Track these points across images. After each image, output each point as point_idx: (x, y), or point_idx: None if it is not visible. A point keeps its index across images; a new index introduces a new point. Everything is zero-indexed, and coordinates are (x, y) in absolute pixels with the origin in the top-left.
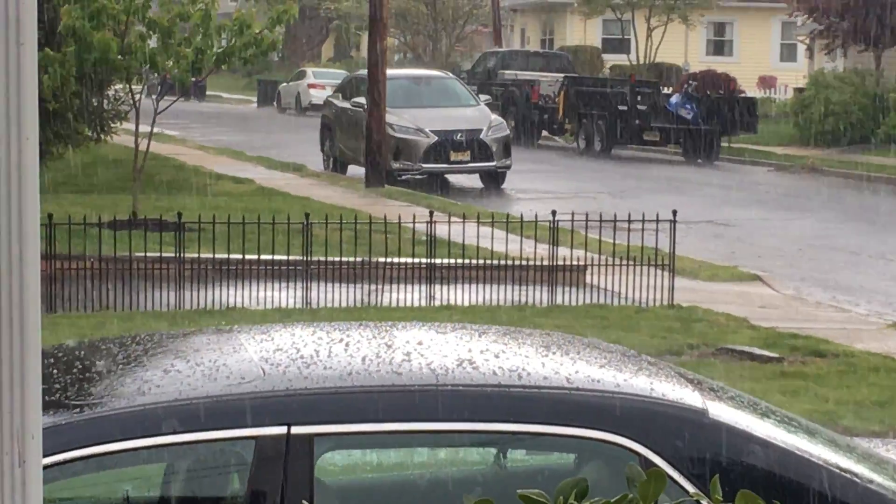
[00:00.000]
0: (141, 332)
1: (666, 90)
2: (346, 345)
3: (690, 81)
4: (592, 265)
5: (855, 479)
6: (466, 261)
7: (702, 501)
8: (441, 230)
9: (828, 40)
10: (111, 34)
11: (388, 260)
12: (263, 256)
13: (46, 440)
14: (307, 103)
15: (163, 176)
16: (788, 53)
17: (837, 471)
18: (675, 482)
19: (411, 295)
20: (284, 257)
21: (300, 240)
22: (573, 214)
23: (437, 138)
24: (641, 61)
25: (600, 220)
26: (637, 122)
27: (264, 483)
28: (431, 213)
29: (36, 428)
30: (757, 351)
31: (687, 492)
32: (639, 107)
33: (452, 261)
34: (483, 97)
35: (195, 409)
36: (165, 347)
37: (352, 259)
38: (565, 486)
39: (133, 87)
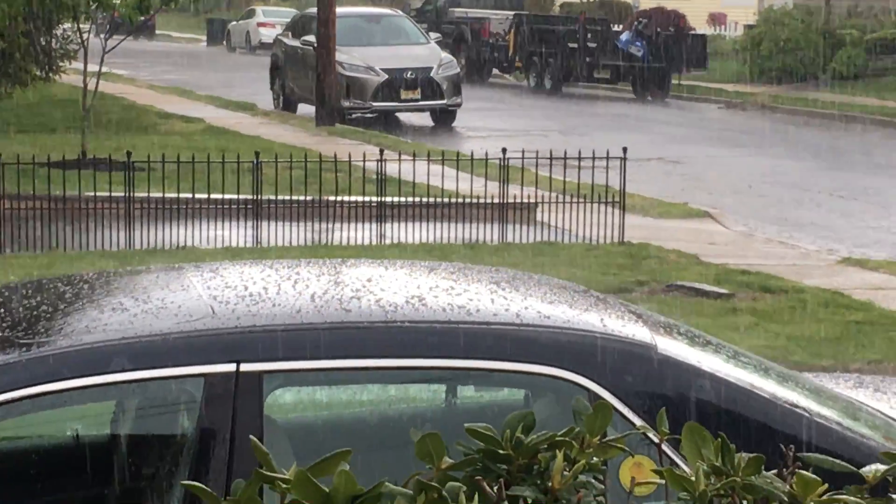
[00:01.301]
0: (90, 270)
1: (616, 28)
2: (295, 282)
3: (640, 19)
4: (543, 203)
5: (804, 413)
6: (417, 199)
7: (648, 433)
8: (391, 169)
9: None
10: None
11: (339, 198)
12: (213, 195)
13: None
14: (257, 42)
15: (112, 115)
16: None
17: (786, 405)
18: (624, 417)
19: (362, 233)
20: (235, 196)
21: (250, 179)
22: (523, 152)
23: (387, 76)
24: None
25: (550, 158)
26: (587, 59)
27: (214, 421)
28: (382, 152)
29: None
30: (707, 287)
31: (635, 426)
32: (589, 44)
33: (403, 199)
34: (433, 35)
35: (144, 346)
36: (114, 286)
37: (302, 198)
38: (512, 419)
39: (81, 25)
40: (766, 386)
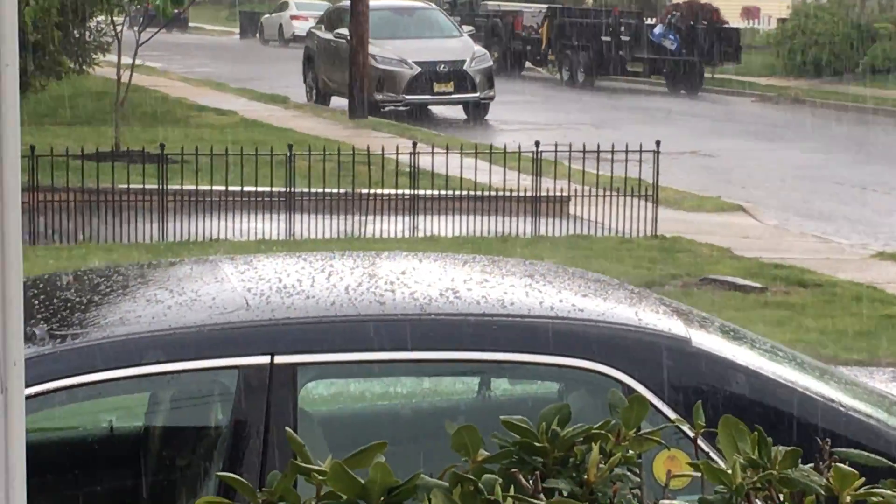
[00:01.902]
0: (124, 263)
1: (649, 21)
2: (330, 274)
3: (674, 12)
4: (576, 196)
5: (838, 407)
6: (450, 192)
7: (683, 427)
8: (424, 161)
9: None
10: None
11: (372, 191)
12: (246, 188)
13: (29, 370)
14: (290, 35)
15: (145, 108)
16: None
17: (821, 399)
18: (659, 411)
19: (394, 226)
20: (268, 189)
21: (283, 171)
22: (556, 145)
23: (420, 69)
24: None
25: (584, 151)
26: (620, 52)
27: (248, 413)
28: (415, 145)
29: (18, 355)
30: (740, 281)
31: (670, 419)
32: (622, 37)
33: (436, 192)
34: (466, 28)
35: (178, 338)
36: (149, 278)
37: (335, 190)
38: (548, 412)
39: (115, 18)
40: (801, 380)
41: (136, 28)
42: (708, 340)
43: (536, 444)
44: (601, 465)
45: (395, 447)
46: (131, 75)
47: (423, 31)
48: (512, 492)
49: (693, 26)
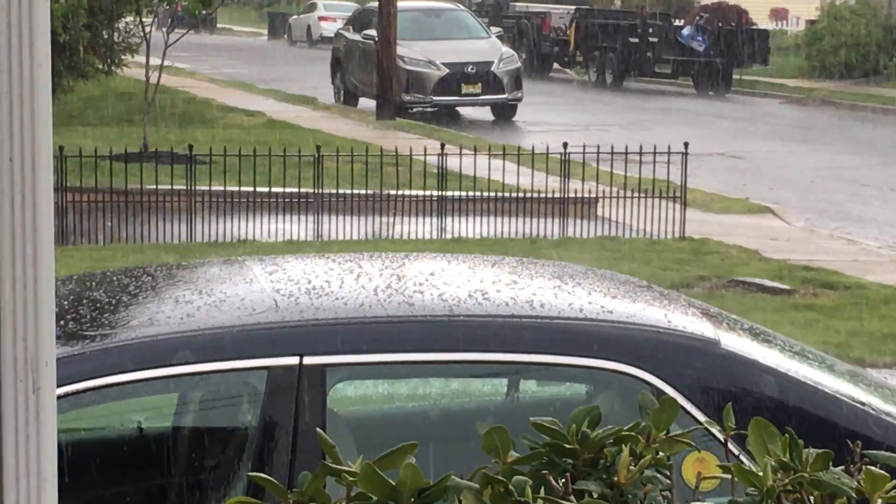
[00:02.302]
0: (152, 263)
1: (677, 22)
2: (358, 276)
3: (702, 13)
4: (604, 197)
5: (869, 409)
6: (478, 193)
7: (713, 429)
8: (452, 163)
9: None
10: None
11: (400, 192)
12: (274, 189)
13: (59, 370)
14: (318, 36)
15: (173, 109)
16: None
17: (851, 401)
18: (688, 413)
19: (422, 227)
20: (295, 190)
21: (311, 172)
22: (584, 147)
23: (447, 70)
24: None
25: (612, 153)
26: (648, 54)
27: (277, 413)
28: (443, 146)
29: (50, 355)
30: (768, 283)
31: (699, 422)
32: (650, 39)
33: (463, 193)
34: (494, 29)
35: (207, 339)
36: (177, 278)
37: (363, 192)
38: (578, 414)
39: (143, 19)
40: (831, 382)
41: (164, 29)
42: (737, 342)
43: (566, 445)
44: (631, 467)
45: (424, 448)
46: (160, 76)
47: (450, 33)
48: (542, 493)
49: (721, 28)
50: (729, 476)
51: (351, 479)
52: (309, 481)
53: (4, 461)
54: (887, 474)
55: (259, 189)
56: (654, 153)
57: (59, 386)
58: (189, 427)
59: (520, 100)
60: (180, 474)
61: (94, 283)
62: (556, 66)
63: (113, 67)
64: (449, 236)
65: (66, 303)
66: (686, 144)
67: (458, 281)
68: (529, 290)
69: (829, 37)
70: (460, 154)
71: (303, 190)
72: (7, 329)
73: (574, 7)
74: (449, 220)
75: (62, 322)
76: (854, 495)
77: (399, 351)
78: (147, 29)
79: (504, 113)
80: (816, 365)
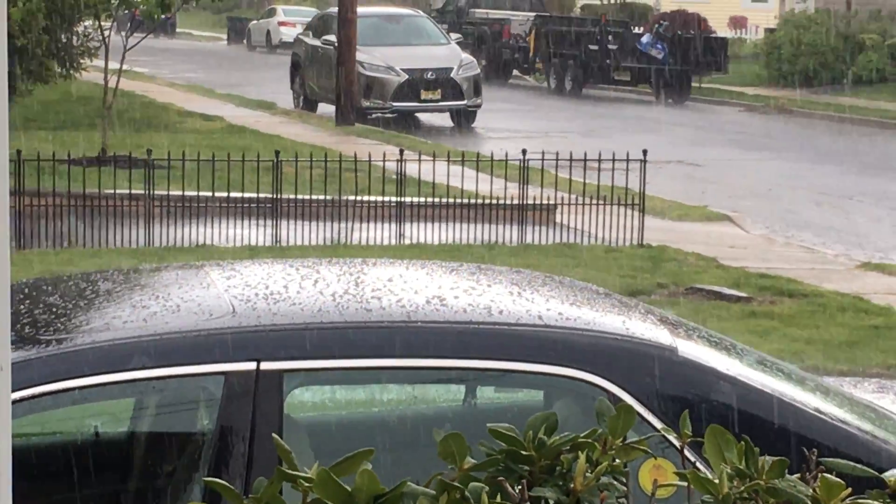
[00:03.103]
0: (110, 268)
1: (637, 30)
2: (316, 281)
3: (661, 21)
4: (562, 204)
5: (825, 418)
6: (436, 199)
7: (669, 436)
8: (411, 169)
9: None
10: None
11: (358, 198)
12: (233, 194)
13: (15, 375)
14: (277, 41)
15: (132, 113)
16: None
17: (807, 409)
18: (645, 420)
19: (381, 233)
20: (254, 195)
21: (270, 177)
22: (543, 154)
23: (407, 77)
24: (613, 1)
25: (570, 160)
26: (608, 61)
27: (234, 419)
28: (401, 152)
29: (5, 359)
30: (726, 290)
31: (656, 429)
32: (609, 46)
33: (422, 199)
34: (454, 36)
35: (164, 344)
36: (134, 283)
37: (321, 197)
38: (535, 420)
39: (102, 23)
40: (787, 390)
41: (123, 33)
42: (694, 350)
43: (523, 452)
44: (588, 474)
45: (381, 454)
46: (118, 80)
47: (410, 39)
48: (498, 500)
49: (680, 35)
50: (685, 483)
51: (307, 485)
52: (265, 487)
53: None
54: (843, 482)
55: (217, 194)
56: (613, 160)
57: (14, 390)
58: (146, 432)
59: (479, 106)
60: (137, 480)
61: (50, 288)
62: (515, 72)
63: (72, 71)
64: (408, 242)
65: (22, 307)
66: (645, 152)
67: (415, 287)
68: (487, 297)
69: (788, 45)
70: (419, 160)
71: (261, 195)
72: None
73: (534, 14)
74: (408, 226)
75: (18, 326)
76: (810, 503)
77: (356, 357)
78: (106, 33)
79: (463, 119)
80: (773, 373)
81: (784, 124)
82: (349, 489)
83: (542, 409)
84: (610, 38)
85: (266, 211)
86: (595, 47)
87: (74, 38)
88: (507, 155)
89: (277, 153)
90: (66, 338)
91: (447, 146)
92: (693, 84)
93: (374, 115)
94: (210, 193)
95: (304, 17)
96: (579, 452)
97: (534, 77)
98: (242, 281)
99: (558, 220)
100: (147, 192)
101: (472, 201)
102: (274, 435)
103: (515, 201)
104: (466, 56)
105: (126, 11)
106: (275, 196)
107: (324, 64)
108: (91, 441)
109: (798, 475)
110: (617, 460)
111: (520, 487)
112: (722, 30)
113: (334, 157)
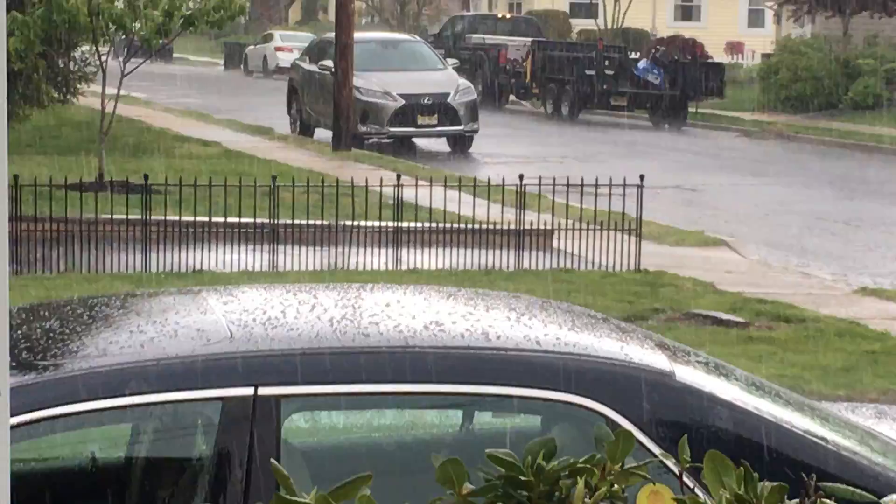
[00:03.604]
0: (107, 293)
1: (634, 55)
2: (313, 306)
3: (658, 46)
4: (559, 230)
5: (821, 442)
6: (433, 224)
7: (668, 461)
8: (408, 194)
9: (795, 6)
10: None
11: (355, 223)
12: (230, 219)
13: (13, 400)
14: (274, 66)
15: (129, 138)
16: (756, 19)
17: (805, 434)
18: (643, 445)
19: (378, 259)
20: (251, 220)
21: (267, 202)
22: (540, 179)
23: (404, 102)
24: (609, 26)
25: (567, 185)
26: (605, 86)
27: (231, 444)
28: (398, 177)
29: (3, 385)
30: (723, 315)
31: (654, 454)
32: (606, 72)
33: (419, 224)
34: (451, 61)
35: (162, 369)
36: (132, 308)
37: (318, 222)
38: (533, 446)
39: (100, 48)
40: (785, 415)
41: (120, 58)
42: (692, 375)
43: (522, 477)
44: (586, 500)
45: (379, 480)
46: (115, 105)
47: (407, 64)
48: None
49: (677, 61)
50: None
51: None
52: None
53: None
54: None
55: (215, 219)
56: (610, 185)
57: (12, 416)
58: (143, 457)
59: (476, 131)
60: None
61: (48, 313)
62: (512, 98)
63: (69, 96)
64: (405, 267)
65: (20, 332)
66: (641, 177)
67: (413, 312)
68: (485, 322)
69: (785, 70)
70: (416, 185)
71: (258, 220)
72: None
73: (530, 39)
74: (405, 251)
75: (16, 351)
76: None
77: (354, 382)
78: (103, 58)
79: (460, 144)
80: (771, 398)
81: (781, 149)
82: None
83: (539, 435)
84: (607, 63)
85: (263, 236)
86: (592, 72)
87: (71, 63)
88: (503, 180)
89: (274, 178)
90: (63, 363)
91: (444, 171)
92: (690, 109)
93: (370, 141)
94: (207, 219)
95: (301, 42)
96: (578, 478)
97: (530, 102)
98: (240, 306)
99: (555, 244)
100: (144, 217)
101: (470, 226)
102: (272, 460)
103: (512, 226)
104: (463, 81)
105: (123, 37)
106: (272, 221)
107: (321, 89)
108: (88, 466)
109: (797, 500)
110: (615, 486)
111: None
112: (719, 55)
113: (331, 182)
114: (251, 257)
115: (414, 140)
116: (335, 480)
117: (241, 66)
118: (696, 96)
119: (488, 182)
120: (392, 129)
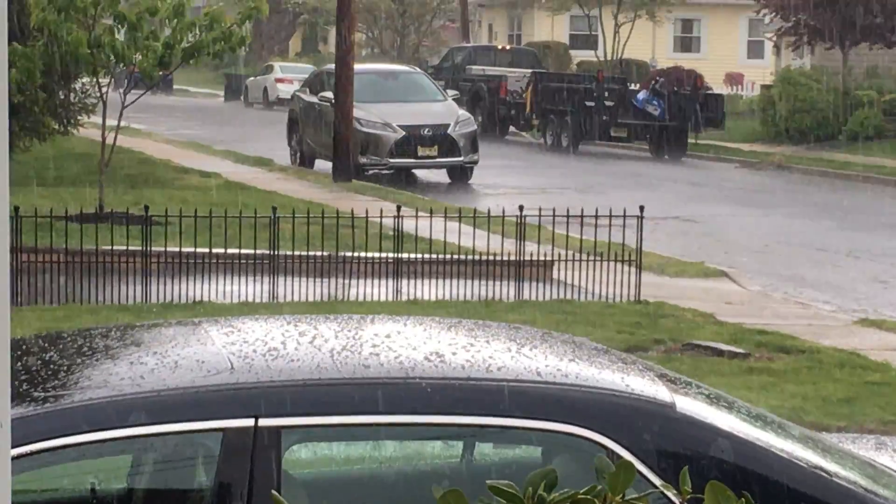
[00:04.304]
0: (108, 324)
1: (633, 86)
2: (314, 338)
3: (658, 78)
4: (559, 261)
5: (822, 473)
6: (433, 256)
7: (669, 492)
8: (408, 225)
9: (794, 37)
10: (79, 27)
11: (355, 255)
12: (230, 250)
13: (14, 431)
14: (274, 97)
15: (130, 169)
16: (755, 50)
17: (805, 465)
18: (644, 476)
19: (378, 290)
20: (251, 251)
21: (267, 234)
22: (540, 210)
23: (404, 133)
24: (609, 58)
25: (567, 216)
26: (604, 118)
27: (232, 475)
28: (399, 208)
29: (4, 416)
30: (723, 346)
31: (654, 485)
32: (606, 103)
33: (419, 256)
34: (451, 92)
35: (162, 400)
36: (133, 339)
37: (319, 253)
38: (535, 477)
39: (100, 80)
40: (786, 446)
41: (121, 90)
42: (692, 406)
43: None
44: None
45: None
46: (116, 137)
47: (407, 95)
48: None
49: (677, 92)
50: None
51: None
52: None
53: None
54: None
55: (215, 250)
56: (610, 216)
57: (13, 447)
58: (144, 489)
59: (476, 162)
60: None
61: (49, 344)
62: (512, 129)
63: (69, 128)
64: (405, 298)
65: (20, 363)
66: (641, 208)
67: (414, 343)
68: (485, 353)
69: (784, 101)
70: (416, 216)
71: (259, 251)
72: None
73: (530, 70)
74: (405, 282)
75: (17, 383)
76: None
77: (355, 413)
78: (104, 90)
79: (460, 175)
80: (771, 429)
81: (780, 180)
82: None
83: (540, 466)
84: (606, 94)
85: (263, 267)
86: (592, 104)
87: (72, 94)
88: (503, 211)
89: (275, 209)
90: (64, 394)
91: (444, 202)
92: (689, 140)
93: (370, 172)
94: (207, 250)
95: (301, 73)
96: None
97: (530, 133)
98: (240, 337)
99: (555, 276)
100: (144, 248)
101: (470, 257)
102: (273, 492)
103: (512, 257)
104: (463, 112)
105: (124, 68)
106: (272, 252)
107: (321, 120)
108: (89, 498)
109: None
110: None
111: None
112: (718, 86)
113: (331, 214)
114: (251, 288)
115: (414, 171)
116: None
117: (242, 98)
118: (696, 127)
119: (488, 213)
120: (392, 160)
